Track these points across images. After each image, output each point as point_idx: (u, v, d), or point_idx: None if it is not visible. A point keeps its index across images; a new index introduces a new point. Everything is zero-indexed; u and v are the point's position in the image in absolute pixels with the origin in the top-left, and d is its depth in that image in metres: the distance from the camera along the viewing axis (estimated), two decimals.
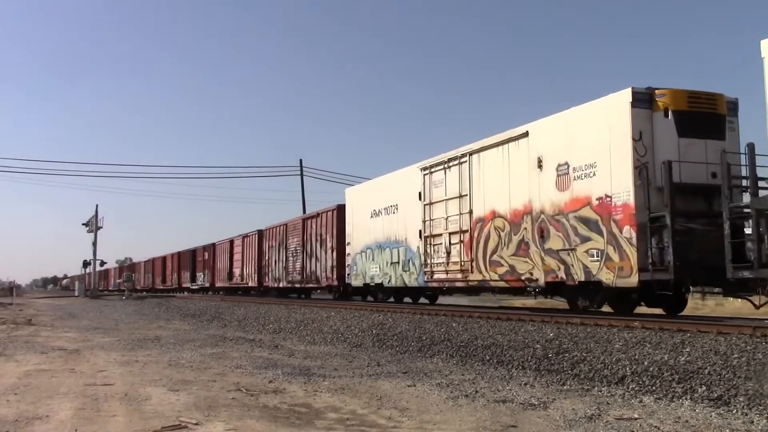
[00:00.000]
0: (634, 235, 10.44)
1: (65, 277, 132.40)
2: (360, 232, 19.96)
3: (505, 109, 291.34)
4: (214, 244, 40.90)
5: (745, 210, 9.71)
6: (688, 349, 8.03)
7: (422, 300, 20.17)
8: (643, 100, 10.82)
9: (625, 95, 10.84)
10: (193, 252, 45.94)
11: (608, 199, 10.94)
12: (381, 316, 15.01)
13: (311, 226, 25.21)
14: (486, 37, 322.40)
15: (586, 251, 11.37)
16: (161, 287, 54.76)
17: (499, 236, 13.64)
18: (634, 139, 10.60)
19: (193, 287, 45.62)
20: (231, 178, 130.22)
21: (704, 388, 6.85)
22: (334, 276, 22.37)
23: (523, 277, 12.95)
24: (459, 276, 15.11)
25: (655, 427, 5.70)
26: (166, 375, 8.78)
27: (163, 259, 55.45)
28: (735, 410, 6.23)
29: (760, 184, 9.64)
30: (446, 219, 15.43)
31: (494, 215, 13.86)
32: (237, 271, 35.88)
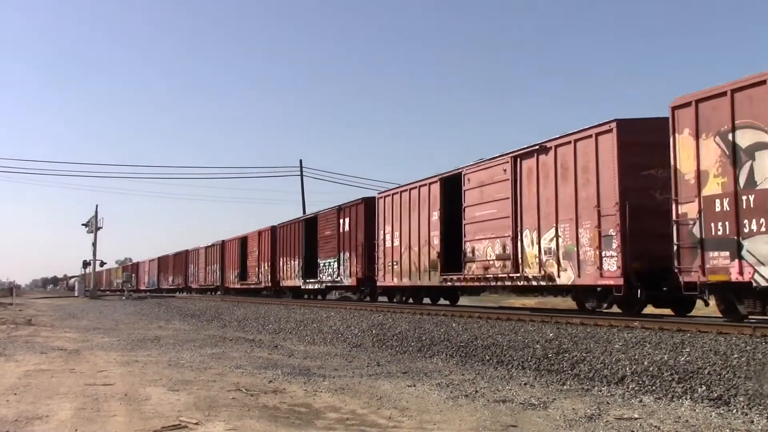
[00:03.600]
0: None
1: (66, 277, 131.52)
2: None
3: (512, 114, 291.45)
4: (365, 200, 21.52)
5: None
6: (688, 349, 8.04)
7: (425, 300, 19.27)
8: None
9: None
10: (310, 223, 26.41)
11: None
12: (381, 316, 15.02)
13: None
14: (490, 37, 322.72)
15: None
16: (239, 286, 35.56)
17: None
18: None
19: (309, 287, 26.24)
20: (231, 178, 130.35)
21: (704, 388, 6.86)
22: None
23: None
24: None
25: (655, 426, 5.70)
26: (166, 375, 8.78)
27: (242, 240, 35.39)
28: (735, 410, 6.23)
29: None
30: None
31: None
32: (484, 249, 15.28)
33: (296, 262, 27.22)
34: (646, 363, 7.86)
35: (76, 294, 55.90)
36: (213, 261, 40.71)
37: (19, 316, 24.14)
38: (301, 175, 46.66)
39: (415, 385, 7.91)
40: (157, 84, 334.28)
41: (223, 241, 39.24)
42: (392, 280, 19.17)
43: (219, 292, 38.89)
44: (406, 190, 18.76)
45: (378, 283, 20.10)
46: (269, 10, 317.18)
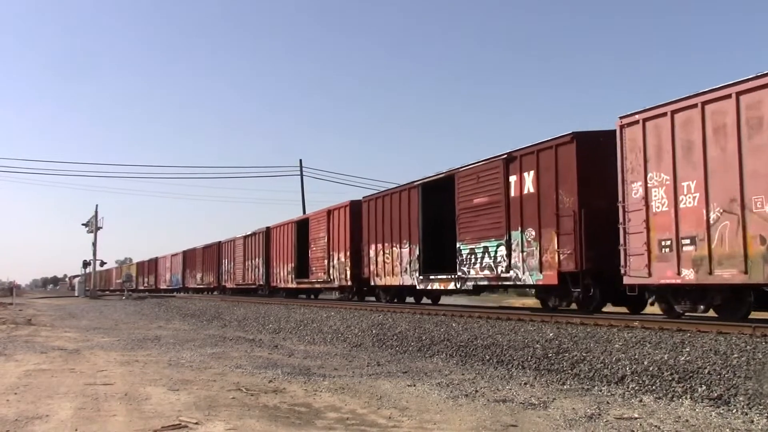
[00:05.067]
0: None
1: (66, 277, 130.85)
2: None
3: (508, 119, 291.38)
4: (578, 137, 12.48)
5: None
6: (688, 349, 8.04)
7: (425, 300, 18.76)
8: None
9: None
10: (432, 189, 17.55)
11: None
12: (381, 316, 15.02)
13: None
14: (488, 43, 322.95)
15: None
16: (295, 286, 26.95)
17: None
18: None
19: (437, 285, 17.11)
20: (231, 178, 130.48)
21: (704, 387, 6.86)
22: None
23: None
24: None
25: (655, 426, 5.70)
26: (166, 375, 8.78)
27: (299, 225, 26.74)
28: (735, 410, 6.23)
29: None
30: None
31: None
32: None
33: (405, 250, 18.05)
34: (646, 363, 7.86)
35: (76, 294, 55.91)
36: (254, 254, 31.96)
37: (19, 316, 24.14)
38: (301, 175, 46.61)
39: (415, 385, 7.92)
40: (157, 84, 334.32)
41: (268, 228, 30.53)
42: (676, 273, 10.37)
43: (261, 292, 31.20)
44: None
45: (628, 279, 11.21)
46: (270, 11, 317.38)
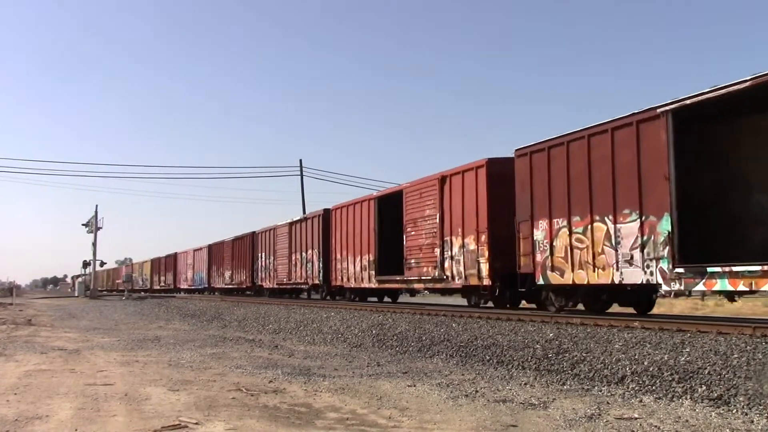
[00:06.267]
0: None
1: (66, 277, 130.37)
2: None
3: (506, 116, 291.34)
4: None
5: None
6: (688, 349, 8.04)
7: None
8: None
9: None
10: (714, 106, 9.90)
11: None
12: (381, 316, 15.01)
13: None
14: (493, 38, 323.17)
15: None
16: (375, 285, 20.04)
17: None
18: None
19: None
20: (231, 178, 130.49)
21: (704, 387, 6.86)
22: None
23: None
24: None
25: (655, 426, 5.70)
26: (166, 375, 8.78)
27: (380, 202, 20.00)
28: (735, 410, 6.23)
29: None
30: None
31: None
32: None
33: (627, 227, 11.08)
34: (646, 363, 7.86)
35: (76, 294, 55.89)
36: (306, 244, 25.28)
37: (19, 316, 24.14)
38: (301, 175, 46.58)
39: (415, 385, 7.91)
40: (157, 84, 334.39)
41: (326, 210, 23.72)
42: None
43: (320, 295, 24.73)
44: None
45: None
46: (270, 12, 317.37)
